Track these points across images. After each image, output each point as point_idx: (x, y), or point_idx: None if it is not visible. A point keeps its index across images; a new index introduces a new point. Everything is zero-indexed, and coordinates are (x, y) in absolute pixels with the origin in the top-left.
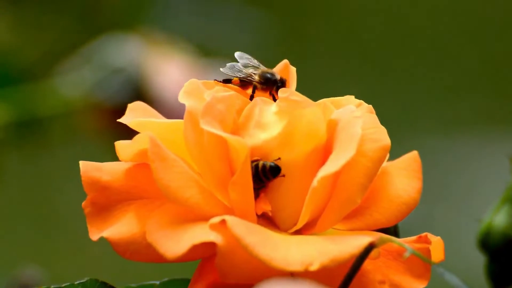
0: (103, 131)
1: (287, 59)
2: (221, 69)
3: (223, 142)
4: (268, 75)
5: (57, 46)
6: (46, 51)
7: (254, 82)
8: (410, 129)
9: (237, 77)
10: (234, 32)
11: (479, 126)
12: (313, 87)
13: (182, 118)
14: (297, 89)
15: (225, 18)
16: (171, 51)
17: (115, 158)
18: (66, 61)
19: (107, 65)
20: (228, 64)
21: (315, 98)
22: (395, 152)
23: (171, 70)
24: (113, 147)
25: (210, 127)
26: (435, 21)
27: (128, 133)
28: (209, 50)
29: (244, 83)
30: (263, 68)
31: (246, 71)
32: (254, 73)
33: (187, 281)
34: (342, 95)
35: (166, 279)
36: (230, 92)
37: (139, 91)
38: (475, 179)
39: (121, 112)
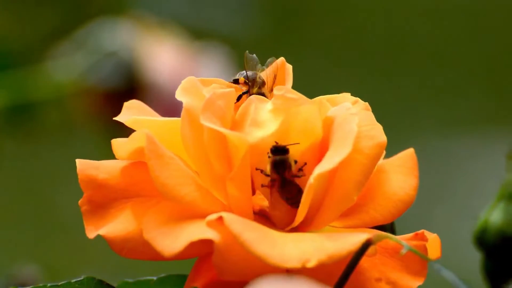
0: (96, 116)
1: (284, 57)
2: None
3: (222, 138)
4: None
5: (49, 30)
6: (38, 35)
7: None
8: (410, 129)
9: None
10: (225, 13)
11: (479, 126)
12: (310, 86)
13: (174, 101)
14: (294, 87)
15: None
16: (163, 35)
17: (110, 153)
18: (58, 45)
19: (99, 49)
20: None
21: (312, 96)
22: (395, 152)
23: (164, 53)
24: (108, 140)
25: (210, 123)
26: (436, 21)
27: (121, 123)
28: (201, 32)
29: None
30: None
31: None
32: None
33: (183, 277)
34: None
35: (163, 274)
36: (229, 89)
37: (132, 75)
38: (475, 179)
39: (114, 96)
